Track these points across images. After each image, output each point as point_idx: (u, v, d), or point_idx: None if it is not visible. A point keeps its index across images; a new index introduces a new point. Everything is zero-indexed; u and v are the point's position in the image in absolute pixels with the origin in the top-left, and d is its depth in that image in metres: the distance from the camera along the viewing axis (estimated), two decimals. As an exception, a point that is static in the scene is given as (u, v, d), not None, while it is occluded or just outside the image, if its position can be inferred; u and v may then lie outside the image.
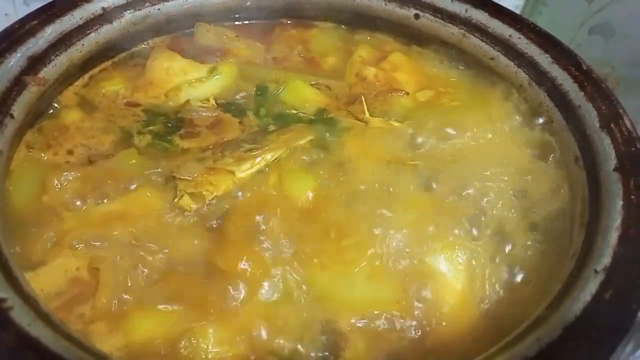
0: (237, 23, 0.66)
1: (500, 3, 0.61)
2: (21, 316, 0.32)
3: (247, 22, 0.66)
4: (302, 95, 0.58)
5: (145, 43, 0.62)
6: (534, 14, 0.97)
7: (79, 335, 0.35)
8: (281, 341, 0.41)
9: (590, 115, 0.49)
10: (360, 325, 0.42)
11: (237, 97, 0.58)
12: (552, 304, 0.38)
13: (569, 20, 0.88)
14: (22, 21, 0.51)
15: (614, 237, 0.39)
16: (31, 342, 0.31)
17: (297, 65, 0.63)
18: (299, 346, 0.41)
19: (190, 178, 0.46)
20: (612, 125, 0.47)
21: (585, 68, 0.52)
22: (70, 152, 0.50)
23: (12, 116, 0.47)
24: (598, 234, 0.40)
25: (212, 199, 0.46)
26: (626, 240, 0.39)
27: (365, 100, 0.56)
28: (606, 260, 0.38)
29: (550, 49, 0.54)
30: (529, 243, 0.46)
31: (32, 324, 0.32)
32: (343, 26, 0.67)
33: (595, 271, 0.37)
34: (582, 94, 0.50)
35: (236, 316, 0.41)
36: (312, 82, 0.60)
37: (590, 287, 0.37)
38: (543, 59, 0.54)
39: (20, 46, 0.49)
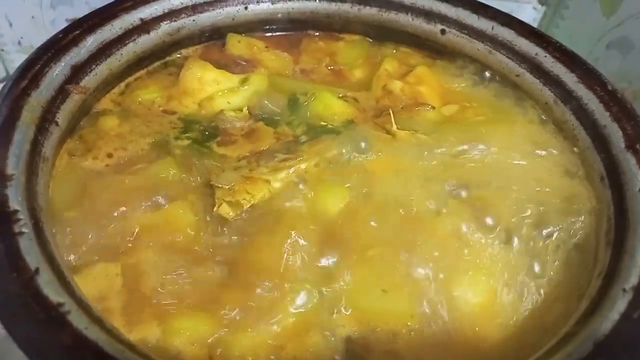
0: (266, 34, 0.67)
1: (518, 15, 0.62)
2: (78, 320, 0.34)
3: (276, 33, 0.68)
4: (331, 107, 0.59)
5: (179, 53, 0.63)
6: (552, 27, 0.97)
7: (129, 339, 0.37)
8: (304, 351, 0.41)
9: (616, 135, 0.50)
10: (383, 337, 0.43)
11: (268, 107, 0.59)
12: (580, 321, 0.39)
13: (586, 34, 0.89)
14: (66, 31, 0.53)
15: (641, 256, 0.40)
16: (89, 345, 0.32)
17: (325, 77, 0.64)
18: (321, 356, 0.41)
19: (228, 187, 0.48)
20: (638, 146, 0.48)
21: (610, 88, 0.53)
22: (109, 158, 0.52)
23: (57, 124, 0.49)
24: (625, 253, 0.41)
25: (249, 207, 0.48)
26: (653, 260, 0.40)
27: (392, 113, 0.57)
28: (634, 279, 0.39)
29: (576, 69, 0.55)
30: (555, 260, 0.47)
31: (89, 327, 0.33)
32: (370, 39, 0.68)
33: (624, 290, 0.38)
34: (608, 114, 0.51)
35: (263, 326, 0.42)
36: (340, 95, 0.61)
37: (619, 306, 0.37)
38: (569, 78, 0.55)
39: (64, 55, 0.51)
